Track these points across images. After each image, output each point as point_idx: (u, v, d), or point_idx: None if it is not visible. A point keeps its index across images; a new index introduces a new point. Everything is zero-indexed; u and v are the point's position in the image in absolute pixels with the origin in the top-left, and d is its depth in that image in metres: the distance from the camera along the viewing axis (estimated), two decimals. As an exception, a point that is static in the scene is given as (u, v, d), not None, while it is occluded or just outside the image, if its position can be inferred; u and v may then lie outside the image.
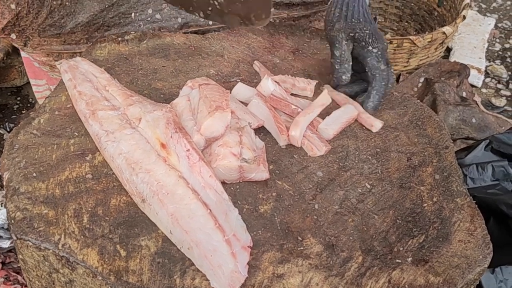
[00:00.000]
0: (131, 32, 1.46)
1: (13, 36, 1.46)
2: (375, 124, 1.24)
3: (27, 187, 1.04)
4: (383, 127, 1.26)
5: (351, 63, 1.30)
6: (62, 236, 0.96)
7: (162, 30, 1.55)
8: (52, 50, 1.52)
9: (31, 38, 1.46)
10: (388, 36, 2.76)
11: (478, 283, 1.03)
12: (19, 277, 1.51)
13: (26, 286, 1.49)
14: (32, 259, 0.99)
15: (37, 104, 2.11)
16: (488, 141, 1.55)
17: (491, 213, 1.37)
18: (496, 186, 1.45)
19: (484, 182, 1.46)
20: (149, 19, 1.54)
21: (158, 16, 1.54)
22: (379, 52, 1.26)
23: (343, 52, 1.29)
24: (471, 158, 1.53)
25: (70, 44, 1.51)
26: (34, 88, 1.94)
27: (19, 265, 1.56)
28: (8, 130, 2.22)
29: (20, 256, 1.02)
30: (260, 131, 1.20)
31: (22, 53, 1.88)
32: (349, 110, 1.25)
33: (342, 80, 1.31)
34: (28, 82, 2.19)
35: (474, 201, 1.11)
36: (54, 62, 1.54)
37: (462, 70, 2.21)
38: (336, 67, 1.30)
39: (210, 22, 1.57)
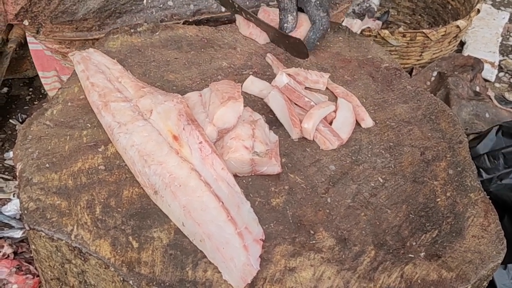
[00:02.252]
0: (144, 23, 1.46)
1: (26, 22, 1.46)
2: (366, 119, 1.23)
3: (40, 178, 1.04)
4: (396, 120, 1.26)
5: (294, 14, 1.43)
6: (75, 227, 0.97)
7: (174, 17, 1.54)
8: (64, 37, 1.52)
9: (43, 25, 1.47)
10: (401, 29, 2.73)
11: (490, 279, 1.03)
12: (31, 267, 1.52)
13: (38, 276, 1.50)
14: (45, 250, 0.99)
15: (48, 95, 2.11)
16: (497, 127, 1.54)
17: (506, 210, 1.36)
18: (509, 173, 1.43)
19: (498, 171, 1.45)
20: (161, 5, 1.54)
21: (170, 3, 1.54)
22: (318, 2, 1.41)
23: (286, 4, 1.41)
24: (483, 146, 1.52)
25: (82, 31, 1.51)
26: (42, 81, 1.94)
27: (31, 255, 1.57)
28: (21, 121, 2.23)
29: (33, 247, 1.02)
30: (273, 124, 1.19)
31: (30, 46, 1.89)
32: (348, 107, 1.24)
33: (286, 28, 1.44)
34: (41, 73, 2.20)
35: (489, 197, 1.10)
36: (67, 49, 1.54)
37: (476, 64, 2.19)
38: (280, 17, 1.44)
39: (223, 9, 1.57)
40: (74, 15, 1.47)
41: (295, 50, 1.40)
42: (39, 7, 1.43)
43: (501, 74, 2.61)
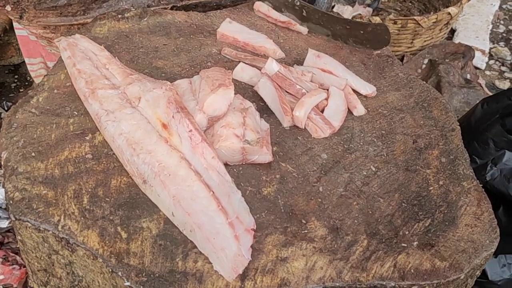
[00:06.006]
0: (131, 9, 1.43)
1: (8, 8, 1.43)
2: (358, 107, 1.21)
3: (26, 167, 1.02)
4: (389, 108, 1.24)
5: None
6: (62, 217, 0.94)
7: (161, 2, 1.51)
8: (48, 23, 1.48)
9: (26, 10, 1.43)
10: (391, 16, 2.71)
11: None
12: (18, 258, 1.49)
13: (25, 266, 1.48)
14: (31, 241, 0.97)
15: (34, 82, 2.08)
16: (482, 100, 1.54)
17: (502, 201, 1.35)
18: (501, 156, 1.42)
19: (490, 155, 1.43)
20: None
21: None
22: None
23: None
24: (474, 119, 1.51)
25: (66, 16, 1.48)
26: (28, 67, 1.91)
27: (18, 245, 1.55)
28: (6, 108, 2.19)
29: (19, 237, 1.00)
30: (264, 112, 1.17)
31: (17, 31, 1.85)
32: (340, 95, 1.22)
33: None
34: (26, 60, 2.16)
35: (483, 186, 1.09)
36: (52, 34, 1.50)
37: (467, 52, 2.18)
38: None
39: None
40: (58, 1, 1.43)
41: (374, 39, 1.36)
42: None
43: (492, 61, 2.60)
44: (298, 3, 1.41)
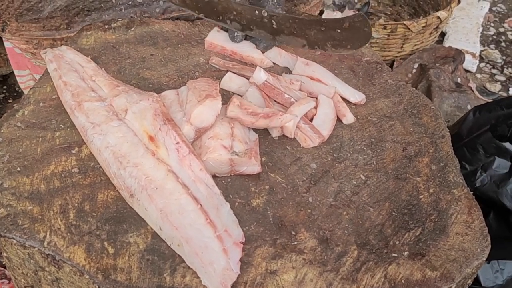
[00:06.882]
0: (118, 19, 1.42)
1: None
2: (347, 115, 1.21)
3: (11, 182, 1.00)
4: (378, 116, 1.23)
5: None
6: (48, 233, 0.93)
7: (144, 15, 1.51)
8: (31, 36, 1.47)
9: (8, 23, 1.42)
10: (381, 21, 2.71)
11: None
12: (7, 272, 1.48)
13: (14, 281, 1.46)
14: (17, 257, 0.96)
15: (24, 94, 2.06)
16: (474, 108, 1.53)
17: (492, 206, 1.34)
18: (491, 163, 1.41)
19: (480, 161, 1.43)
20: (130, 2, 1.50)
21: None
22: (275, 1, 1.35)
23: None
24: (465, 127, 1.50)
25: (49, 30, 1.47)
26: (18, 79, 1.90)
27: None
28: (-6, 119, 2.17)
29: (5, 254, 0.99)
30: (252, 121, 1.16)
31: (5, 43, 1.84)
32: (328, 103, 1.21)
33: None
34: (15, 70, 2.14)
35: (473, 193, 1.08)
36: (34, 50, 1.49)
37: (457, 56, 2.18)
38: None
39: None
40: (40, 13, 1.43)
41: (353, 36, 1.19)
42: (2, 5, 1.39)
43: (482, 64, 2.61)
44: (266, 14, 1.29)
